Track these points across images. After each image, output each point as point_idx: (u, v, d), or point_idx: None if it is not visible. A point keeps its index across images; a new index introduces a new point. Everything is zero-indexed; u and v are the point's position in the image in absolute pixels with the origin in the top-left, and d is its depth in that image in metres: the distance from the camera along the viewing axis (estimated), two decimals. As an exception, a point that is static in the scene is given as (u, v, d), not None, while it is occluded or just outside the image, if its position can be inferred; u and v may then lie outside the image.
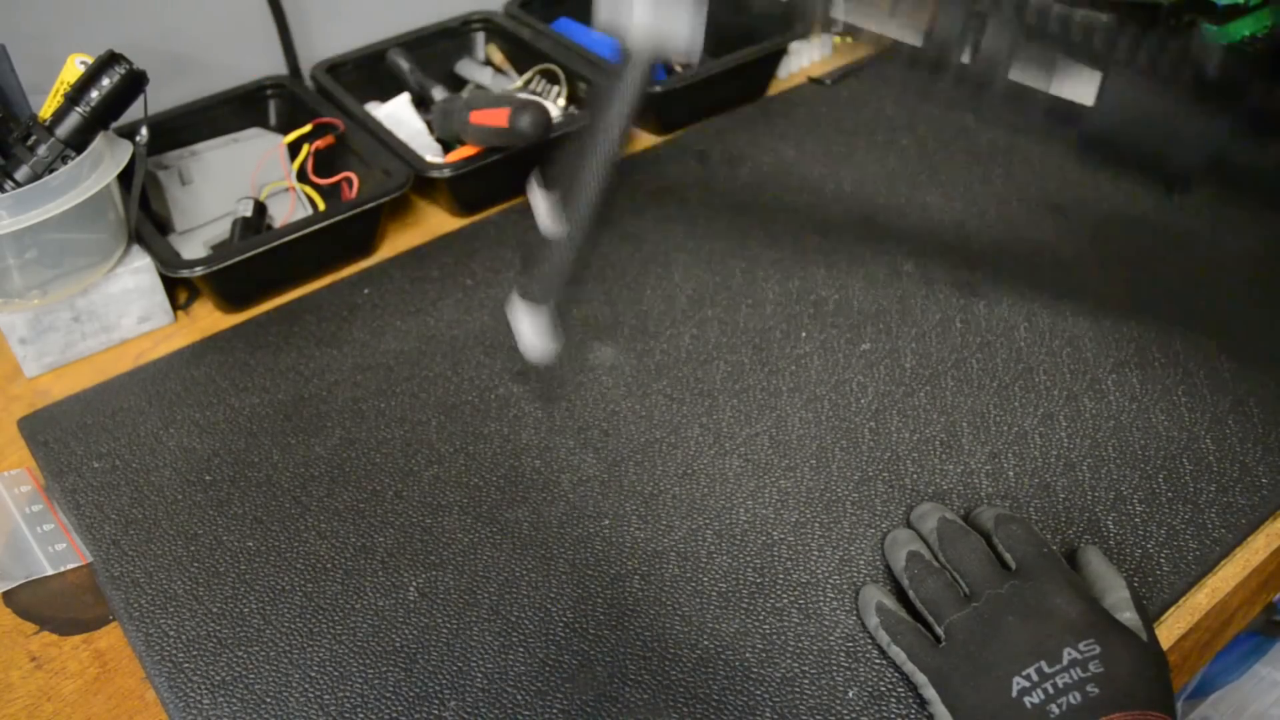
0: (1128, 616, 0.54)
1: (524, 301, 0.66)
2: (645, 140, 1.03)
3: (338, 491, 0.68)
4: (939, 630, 0.56)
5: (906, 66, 0.54)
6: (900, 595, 0.60)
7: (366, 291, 0.84)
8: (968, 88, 0.53)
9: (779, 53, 1.07)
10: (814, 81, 1.09)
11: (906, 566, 0.59)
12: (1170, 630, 0.61)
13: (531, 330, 0.67)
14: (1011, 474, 0.67)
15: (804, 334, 0.78)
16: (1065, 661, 0.51)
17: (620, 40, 0.59)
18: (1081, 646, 0.51)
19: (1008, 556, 0.58)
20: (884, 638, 0.57)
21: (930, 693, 0.54)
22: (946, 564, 0.59)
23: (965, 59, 0.54)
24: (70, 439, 0.72)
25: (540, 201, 0.69)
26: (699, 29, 0.58)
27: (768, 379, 0.75)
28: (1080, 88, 0.79)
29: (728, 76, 1.01)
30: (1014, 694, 0.51)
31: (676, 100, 1.00)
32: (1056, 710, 0.50)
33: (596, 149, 0.62)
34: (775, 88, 1.09)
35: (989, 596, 0.55)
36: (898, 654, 0.56)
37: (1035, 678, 0.51)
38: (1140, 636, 0.53)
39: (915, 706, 0.56)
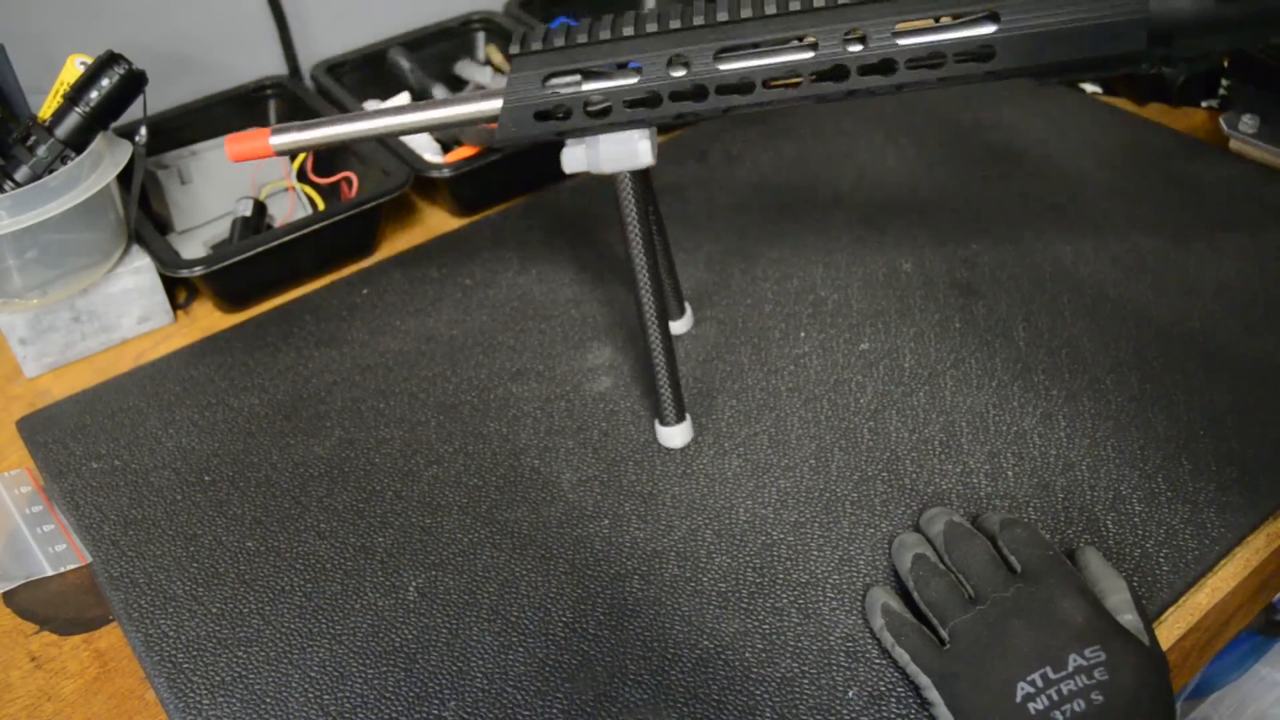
0: (1128, 619, 0.54)
1: (666, 427, 0.69)
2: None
3: (337, 492, 0.68)
4: (943, 633, 0.55)
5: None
6: (906, 598, 0.59)
7: (365, 291, 0.84)
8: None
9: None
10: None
11: (912, 568, 0.59)
12: (1170, 630, 0.60)
13: (682, 437, 0.70)
14: (1010, 474, 0.67)
15: (803, 333, 0.78)
16: (1070, 668, 0.51)
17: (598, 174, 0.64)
18: (1087, 653, 0.51)
19: (1013, 559, 0.57)
20: (888, 639, 0.57)
21: (933, 695, 0.53)
22: (952, 566, 0.58)
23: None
24: (69, 439, 0.72)
25: (675, 328, 0.78)
26: (645, 144, 0.62)
27: (766, 378, 0.75)
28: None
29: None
30: (1018, 699, 0.51)
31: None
32: (1060, 717, 0.50)
33: (636, 274, 0.66)
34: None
35: (994, 600, 0.55)
36: (902, 655, 0.56)
37: (1040, 683, 0.51)
38: (1143, 641, 0.53)
39: (915, 707, 0.55)
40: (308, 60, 1.03)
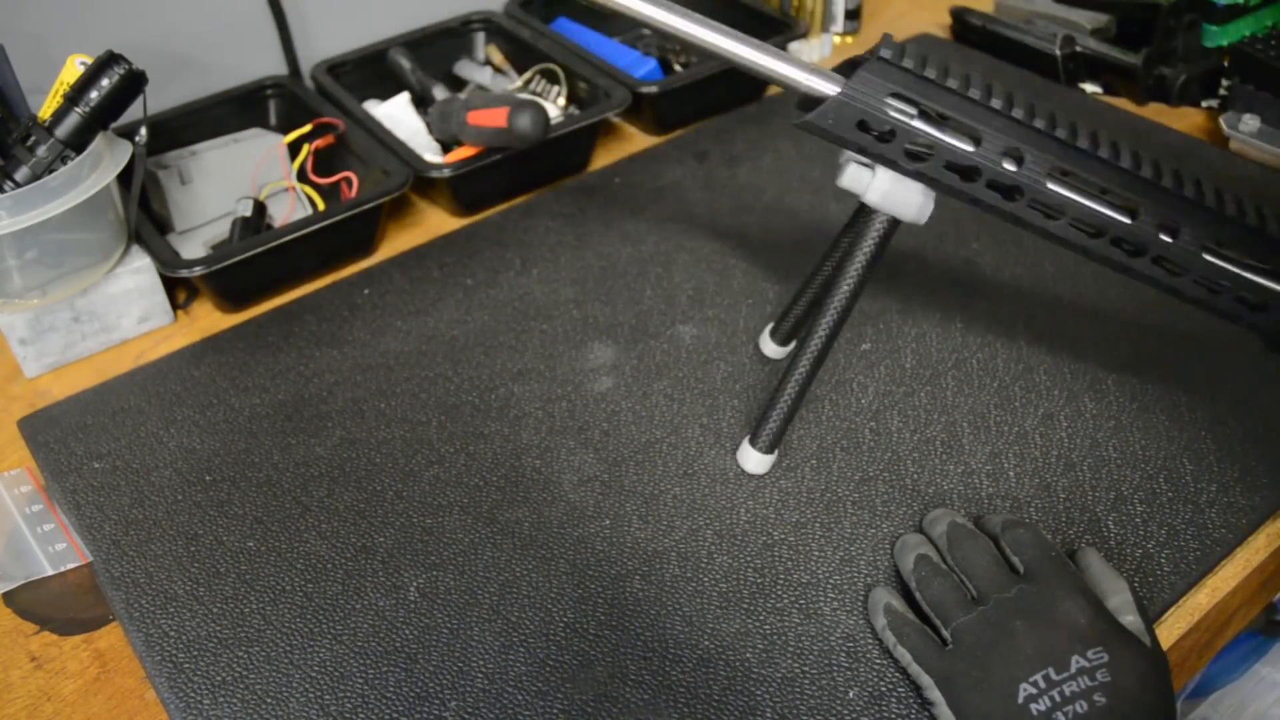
0: (1130, 619, 0.54)
1: (754, 448, 0.68)
2: (644, 140, 1.02)
3: (338, 492, 0.67)
4: (945, 633, 0.55)
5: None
6: (909, 598, 0.59)
7: (366, 291, 0.83)
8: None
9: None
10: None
11: (914, 568, 0.59)
12: (1170, 630, 0.60)
13: (759, 466, 0.68)
14: (1012, 474, 0.67)
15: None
16: (1073, 669, 0.51)
17: (861, 201, 0.61)
18: (1090, 655, 0.51)
19: (1015, 560, 0.57)
20: (890, 638, 0.56)
21: (935, 695, 0.53)
22: (954, 567, 0.58)
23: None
24: (70, 439, 0.72)
25: (770, 349, 0.76)
26: (928, 205, 0.60)
27: (768, 379, 0.74)
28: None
29: (728, 76, 1.00)
30: (1020, 700, 0.50)
31: (675, 100, 1.00)
32: (1063, 718, 0.49)
33: (833, 305, 0.63)
34: (774, 88, 1.09)
35: (996, 600, 0.55)
36: (903, 655, 0.55)
37: (1042, 684, 0.50)
38: (1144, 642, 0.53)
39: (916, 707, 0.55)
40: (308, 60, 1.02)
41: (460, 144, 0.90)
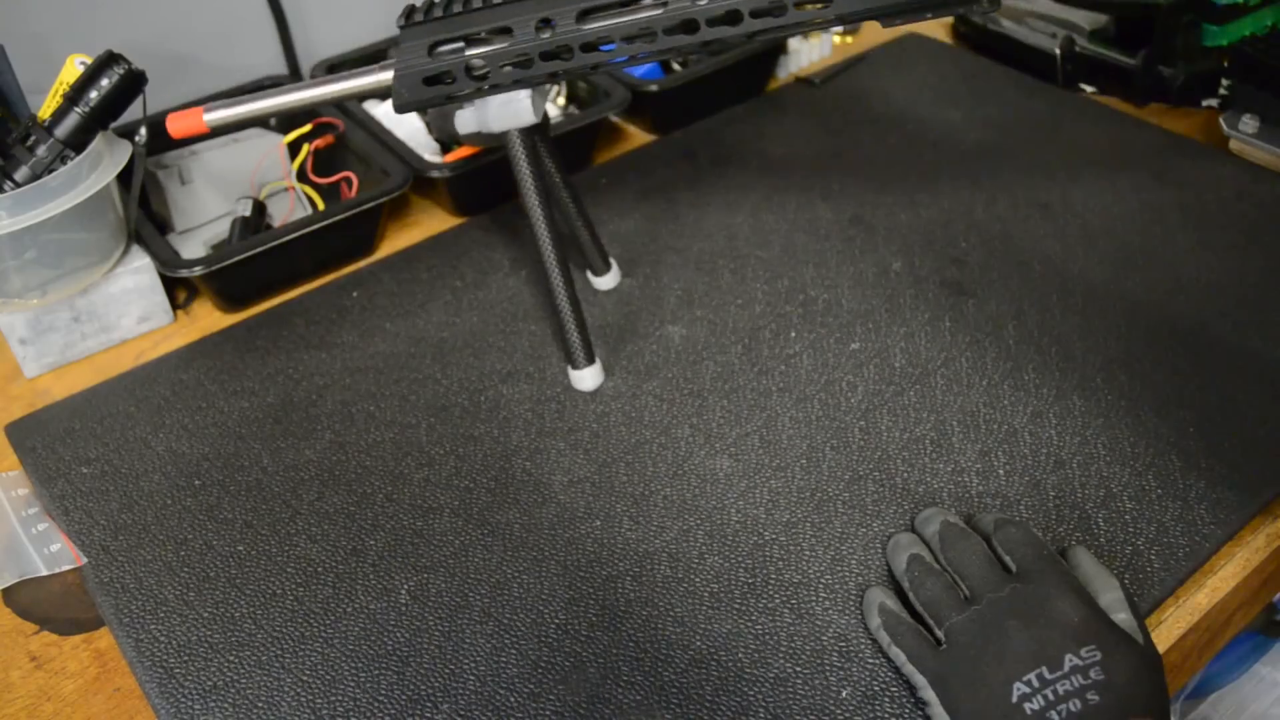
0: (1122, 618, 0.52)
1: (577, 370, 0.71)
2: (635, 140, 1.00)
3: (328, 495, 0.65)
4: (939, 633, 0.53)
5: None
6: (902, 598, 0.57)
7: (355, 294, 0.81)
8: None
9: (777, 51, 1.04)
10: (802, 82, 1.06)
11: (907, 569, 0.57)
12: (1170, 630, 0.58)
13: (594, 380, 0.72)
14: (1002, 472, 0.65)
15: (793, 333, 0.75)
16: (1066, 668, 0.49)
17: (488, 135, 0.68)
18: (1083, 653, 0.49)
19: (1008, 559, 0.55)
20: (885, 638, 0.55)
21: (929, 694, 0.52)
22: (947, 566, 0.56)
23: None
24: (58, 444, 0.69)
25: (597, 282, 0.80)
26: (527, 101, 0.65)
27: (757, 379, 0.72)
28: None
29: (726, 75, 0.97)
30: (1014, 699, 0.49)
31: (674, 99, 0.97)
32: (1056, 717, 0.48)
33: (535, 230, 0.68)
34: (774, 84, 1.06)
35: (990, 600, 0.53)
36: (898, 655, 0.54)
37: (1036, 684, 0.49)
38: (1137, 640, 0.51)
39: (909, 706, 0.53)
40: (308, 60, 1.00)
41: (460, 144, 0.88)
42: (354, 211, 0.80)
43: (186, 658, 0.57)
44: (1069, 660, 0.49)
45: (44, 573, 0.62)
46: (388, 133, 0.88)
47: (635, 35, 0.61)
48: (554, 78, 0.64)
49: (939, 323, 0.76)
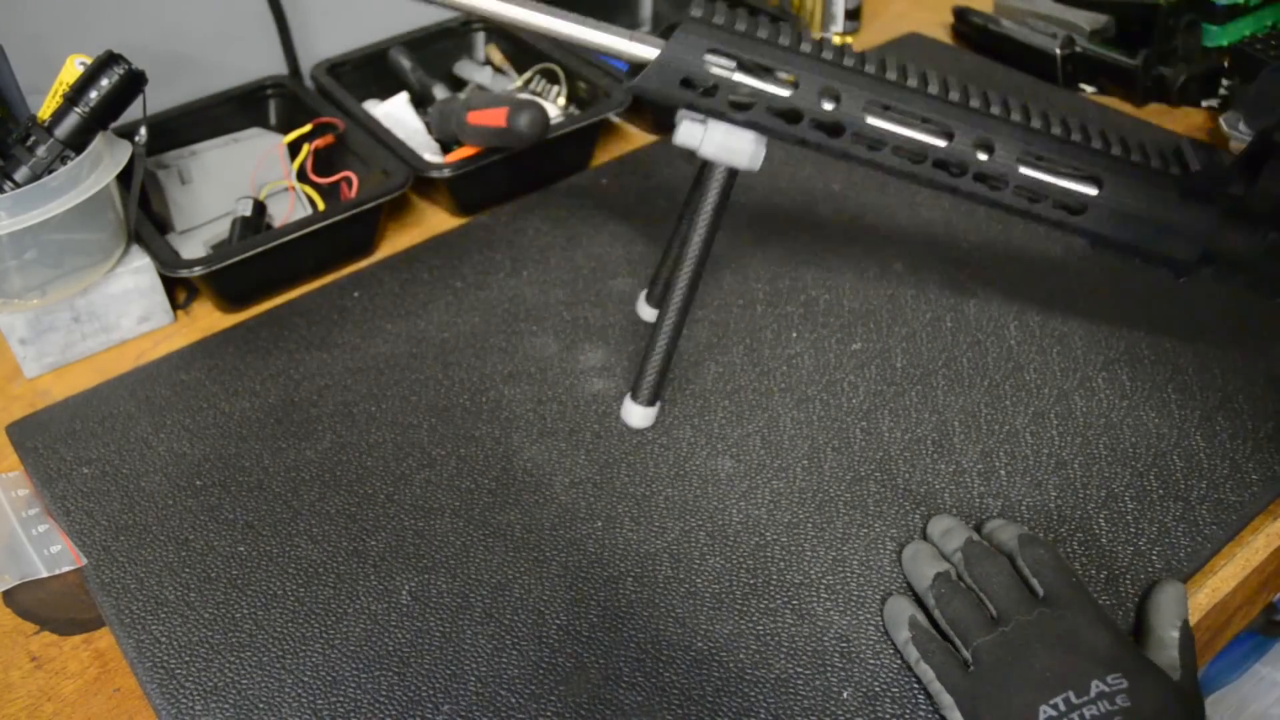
0: (1168, 655, 0.53)
1: (636, 403, 0.68)
2: (635, 140, 0.99)
3: (329, 495, 0.64)
4: (965, 653, 0.53)
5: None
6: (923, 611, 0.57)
7: (356, 294, 0.80)
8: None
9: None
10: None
11: (933, 585, 0.56)
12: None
13: (643, 420, 0.68)
14: (1003, 472, 0.64)
15: (795, 334, 0.75)
16: (1093, 694, 0.49)
17: (699, 156, 0.62)
18: (1110, 680, 0.49)
19: (1034, 582, 0.55)
20: (913, 654, 0.54)
21: (955, 715, 0.51)
22: (972, 584, 0.56)
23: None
24: (59, 445, 0.69)
25: (646, 314, 0.77)
26: (760, 151, 0.61)
27: (759, 379, 0.71)
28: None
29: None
30: None
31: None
32: None
33: (688, 259, 0.64)
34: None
35: (1018, 623, 0.52)
36: (926, 672, 0.53)
37: (1063, 707, 0.49)
38: (1171, 676, 0.51)
39: (910, 707, 0.53)
40: (308, 60, 0.99)
41: (460, 144, 0.87)
42: (354, 212, 0.80)
43: (187, 658, 0.56)
44: (1096, 686, 0.49)
45: (44, 574, 0.61)
46: (388, 133, 0.88)
47: (906, 151, 0.59)
48: (801, 143, 0.60)
49: (940, 323, 0.75)
